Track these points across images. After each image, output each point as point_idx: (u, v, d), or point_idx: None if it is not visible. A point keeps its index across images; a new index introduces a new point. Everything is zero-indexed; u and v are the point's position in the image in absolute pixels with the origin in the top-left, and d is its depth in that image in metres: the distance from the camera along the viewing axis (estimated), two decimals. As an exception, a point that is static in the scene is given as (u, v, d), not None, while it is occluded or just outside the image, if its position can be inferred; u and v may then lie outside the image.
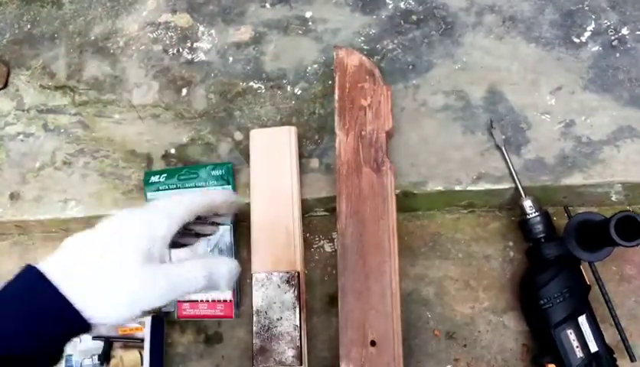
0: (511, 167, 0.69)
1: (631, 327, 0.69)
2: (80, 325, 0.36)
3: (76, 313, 0.35)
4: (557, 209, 0.75)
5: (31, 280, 0.36)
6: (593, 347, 0.63)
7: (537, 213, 0.67)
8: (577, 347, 0.63)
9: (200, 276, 0.41)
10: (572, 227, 0.66)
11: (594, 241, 0.64)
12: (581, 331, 0.63)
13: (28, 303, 0.35)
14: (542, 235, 0.67)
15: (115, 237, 0.39)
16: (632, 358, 0.64)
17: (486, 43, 0.78)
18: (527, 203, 0.68)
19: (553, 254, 0.66)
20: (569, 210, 0.70)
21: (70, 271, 0.36)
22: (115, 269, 0.37)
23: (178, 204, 0.44)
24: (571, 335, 0.63)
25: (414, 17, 0.81)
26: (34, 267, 0.36)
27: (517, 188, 0.69)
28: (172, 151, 0.82)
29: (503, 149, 0.70)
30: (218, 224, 0.54)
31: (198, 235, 0.54)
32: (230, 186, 0.77)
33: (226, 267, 0.44)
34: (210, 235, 0.54)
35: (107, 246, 0.38)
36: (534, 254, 0.68)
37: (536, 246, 0.68)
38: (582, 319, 0.64)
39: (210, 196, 0.48)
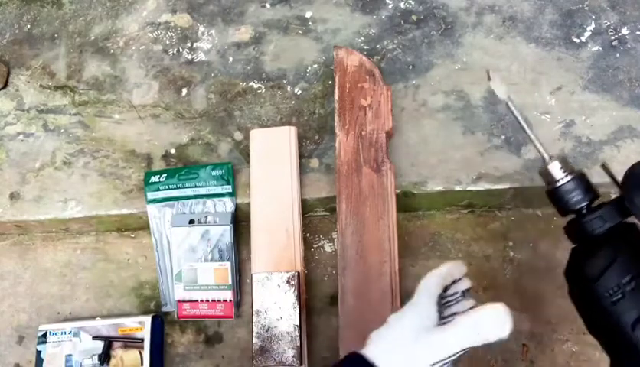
0: (524, 126, 0.51)
1: (631, 327, 0.69)
2: None
3: None
4: (557, 209, 0.75)
5: (357, 362, 0.47)
6: None
7: (570, 176, 0.48)
8: None
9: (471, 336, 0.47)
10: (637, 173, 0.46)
11: None
12: None
13: None
14: (583, 205, 0.48)
15: (408, 333, 0.48)
16: None
17: (486, 43, 0.78)
18: (555, 166, 0.49)
19: (606, 226, 0.47)
20: (607, 167, 0.50)
21: (383, 359, 0.46)
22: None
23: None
24: None
25: (414, 17, 0.81)
26: (359, 354, 0.47)
27: (538, 152, 0.51)
28: (172, 151, 0.82)
29: (509, 104, 0.51)
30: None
31: None
32: (230, 186, 0.77)
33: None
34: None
35: (403, 341, 0.47)
36: (577, 232, 0.49)
37: (578, 221, 0.48)
38: None
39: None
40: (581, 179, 0.49)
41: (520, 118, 0.51)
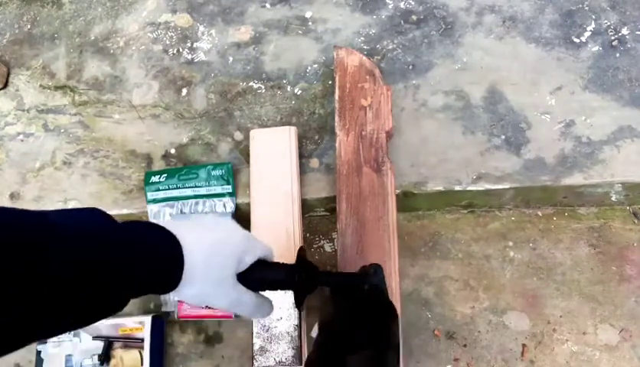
0: None
1: (631, 327, 0.69)
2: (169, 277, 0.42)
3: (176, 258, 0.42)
4: (557, 209, 0.75)
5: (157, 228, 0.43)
6: None
7: None
8: None
9: (252, 305, 0.49)
10: None
11: None
12: None
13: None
14: None
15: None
16: None
17: (486, 43, 0.78)
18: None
19: None
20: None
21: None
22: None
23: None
24: None
25: (414, 17, 0.81)
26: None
27: None
28: (172, 151, 0.82)
29: None
30: None
31: None
32: (230, 186, 0.77)
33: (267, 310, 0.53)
34: None
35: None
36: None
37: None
38: None
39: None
40: None
41: None
